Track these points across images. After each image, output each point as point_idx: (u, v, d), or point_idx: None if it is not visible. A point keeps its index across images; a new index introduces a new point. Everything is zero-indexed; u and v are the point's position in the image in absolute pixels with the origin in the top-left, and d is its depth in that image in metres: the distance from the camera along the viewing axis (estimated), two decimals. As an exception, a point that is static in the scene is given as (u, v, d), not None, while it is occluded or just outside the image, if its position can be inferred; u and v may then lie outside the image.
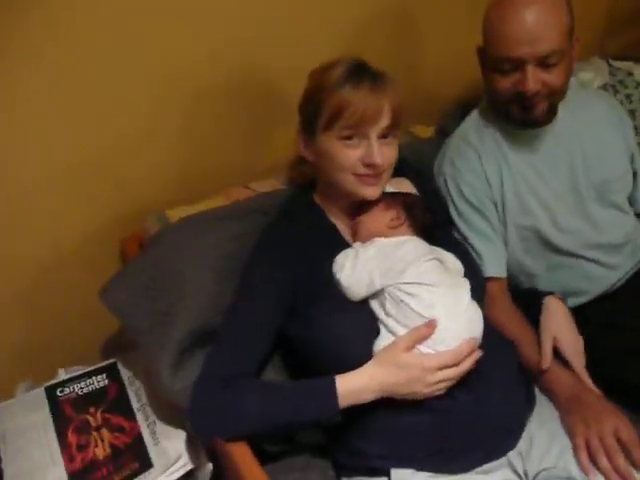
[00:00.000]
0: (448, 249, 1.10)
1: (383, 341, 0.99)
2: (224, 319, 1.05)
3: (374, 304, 1.02)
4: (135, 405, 1.22)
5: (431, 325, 0.96)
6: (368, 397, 0.95)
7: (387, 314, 0.99)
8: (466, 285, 1.02)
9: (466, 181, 1.27)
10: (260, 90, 1.33)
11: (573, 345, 1.13)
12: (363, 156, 1.03)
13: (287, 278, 1.04)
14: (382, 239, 1.05)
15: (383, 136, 1.04)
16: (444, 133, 1.44)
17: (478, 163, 1.27)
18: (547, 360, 1.10)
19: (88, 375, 1.28)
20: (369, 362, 0.97)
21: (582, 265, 1.28)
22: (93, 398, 1.23)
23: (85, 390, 1.25)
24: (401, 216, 1.08)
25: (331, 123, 1.04)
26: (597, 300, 1.29)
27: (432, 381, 0.94)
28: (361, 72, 1.05)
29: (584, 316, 1.25)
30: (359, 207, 1.12)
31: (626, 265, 1.30)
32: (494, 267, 1.25)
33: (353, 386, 0.95)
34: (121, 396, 1.24)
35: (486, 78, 1.21)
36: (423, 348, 0.96)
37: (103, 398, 1.23)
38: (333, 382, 0.95)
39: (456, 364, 0.95)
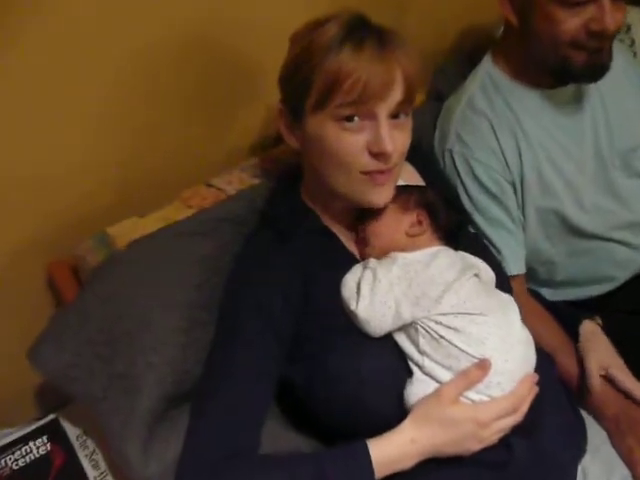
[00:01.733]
0: (469, 249, 0.88)
1: (418, 387, 0.77)
2: (206, 373, 0.80)
3: (401, 338, 0.80)
4: (92, 474, 0.96)
5: (484, 367, 0.75)
6: (408, 464, 0.75)
7: (421, 352, 0.77)
8: (512, 304, 0.82)
9: (479, 160, 1.04)
10: (213, 58, 1.03)
11: (621, 367, 0.96)
12: (369, 143, 0.78)
13: (284, 307, 0.80)
14: (403, 254, 0.82)
15: (394, 115, 0.79)
16: (438, 96, 1.20)
17: (492, 136, 1.05)
18: (596, 383, 0.95)
19: (23, 440, 0.99)
20: (407, 420, 0.75)
21: (609, 248, 1.13)
22: (34, 471, 0.96)
23: (22, 462, 0.97)
24: (423, 220, 0.85)
25: (325, 99, 0.77)
26: (625, 286, 1.14)
27: (487, 435, 0.75)
28: (363, 30, 0.78)
29: (612, 305, 1.12)
30: (363, 210, 0.88)
31: (654, 245, 1.15)
32: (516, 264, 1.06)
33: (390, 454, 0.74)
34: (71, 464, 0.97)
35: (538, 18, 0.97)
36: (474, 395, 0.75)
37: (47, 470, 0.96)
38: (366, 452, 0.73)
39: (515, 410, 0.76)
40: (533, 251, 1.10)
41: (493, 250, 1.03)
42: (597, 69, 0.99)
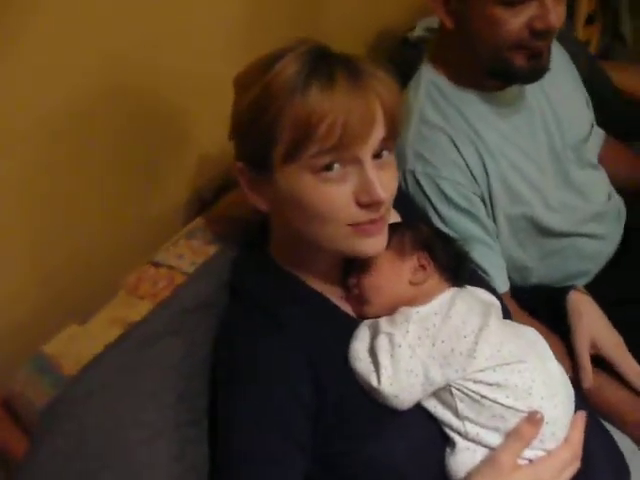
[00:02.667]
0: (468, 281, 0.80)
1: (464, 457, 0.67)
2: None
3: (432, 404, 0.69)
4: None
5: (536, 421, 0.66)
6: None
7: (461, 417, 0.67)
8: (539, 338, 0.74)
9: (446, 178, 0.97)
10: (133, 110, 0.85)
11: (616, 345, 0.93)
12: (356, 192, 0.67)
13: (296, 409, 0.66)
14: (415, 308, 0.71)
15: (376, 155, 0.68)
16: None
17: (453, 150, 0.97)
18: (588, 377, 0.90)
19: None
20: None
21: (578, 244, 1.11)
22: None
23: None
24: (425, 263, 0.75)
25: (296, 149, 0.65)
26: (599, 278, 1.12)
27: None
28: (328, 62, 0.66)
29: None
30: (351, 262, 0.76)
31: (616, 232, 1.15)
32: (503, 280, 1.00)
33: None
34: None
35: (477, 21, 0.91)
36: (529, 452, 0.67)
37: None
38: None
39: (575, 458, 0.68)
40: (507, 260, 1.05)
41: (479, 271, 0.96)
42: (538, 70, 0.96)
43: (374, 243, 0.70)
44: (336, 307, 0.76)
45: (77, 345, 0.69)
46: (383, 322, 0.71)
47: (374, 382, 0.67)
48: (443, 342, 0.68)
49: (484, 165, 0.99)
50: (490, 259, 0.98)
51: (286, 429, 0.64)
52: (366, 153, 0.66)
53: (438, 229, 0.82)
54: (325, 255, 0.73)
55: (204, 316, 0.74)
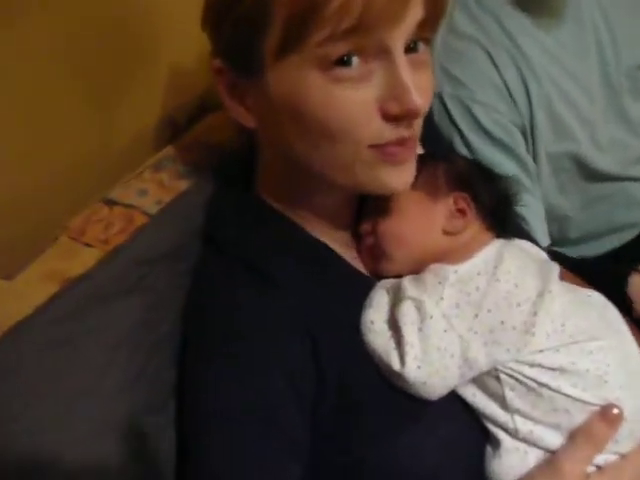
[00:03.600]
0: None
1: (511, 460, 0.51)
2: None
3: (469, 391, 0.52)
4: None
5: (612, 417, 0.49)
6: None
7: (511, 410, 0.51)
8: (611, 308, 0.57)
9: (481, 102, 0.78)
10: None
11: None
12: (383, 100, 0.48)
13: (292, 401, 0.49)
14: (452, 266, 0.53)
15: (410, 48, 0.49)
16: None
17: (491, 67, 0.78)
18: None
19: None
20: None
21: (627, 189, 0.94)
22: None
23: None
24: (465, 206, 0.56)
25: (297, 34, 0.46)
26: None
27: None
28: None
29: (637, 256, 0.91)
30: (365, 202, 0.58)
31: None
32: (544, 231, 0.82)
33: None
34: None
35: None
36: (599, 457, 0.50)
37: None
38: None
39: None
40: (546, 209, 0.87)
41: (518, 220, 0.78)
42: None
43: (402, 173, 0.51)
44: (344, 262, 0.58)
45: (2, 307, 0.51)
46: (408, 284, 0.53)
47: (395, 364, 0.50)
48: (489, 312, 0.50)
49: (527, 89, 0.80)
50: (530, 205, 0.80)
51: (279, 428, 0.47)
52: (397, 40, 0.47)
53: (478, 162, 0.64)
54: (332, 191, 0.55)
55: (169, 272, 0.56)
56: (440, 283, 0.52)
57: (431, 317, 0.50)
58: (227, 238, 0.57)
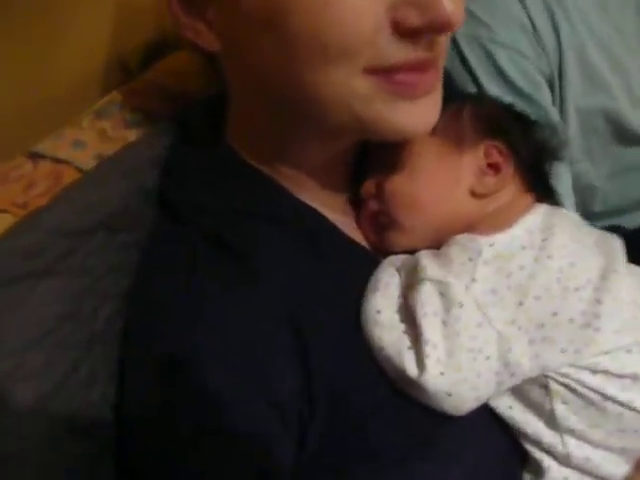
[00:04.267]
0: None
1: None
2: None
3: (504, 403, 0.40)
4: None
5: None
6: None
7: (561, 428, 0.38)
8: None
9: (503, 45, 0.64)
10: None
11: None
12: (398, 7, 0.34)
13: (275, 427, 0.36)
14: (485, 237, 0.40)
15: None
16: None
17: (518, 6, 0.64)
18: None
19: None
20: None
21: None
22: None
23: None
24: (500, 160, 0.43)
25: None
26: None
27: None
28: None
29: None
30: (368, 154, 0.45)
31: None
32: (571, 202, 0.70)
33: None
34: None
35: None
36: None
37: None
38: None
39: None
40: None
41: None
42: None
43: (420, 110, 0.38)
44: (340, 233, 0.44)
45: None
46: (427, 261, 0.39)
47: (411, 369, 0.37)
48: (538, 300, 0.37)
49: (557, 30, 0.67)
50: (557, 170, 0.67)
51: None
52: None
53: (510, 104, 0.50)
54: (325, 138, 0.41)
55: (106, 246, 0.41)
56: (471, 260, 0.38)
57: (460, 305, 0.37)
58: (187, 202, 0.43)
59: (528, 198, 0.43)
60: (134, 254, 0.43)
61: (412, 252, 0.43)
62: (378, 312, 0.39)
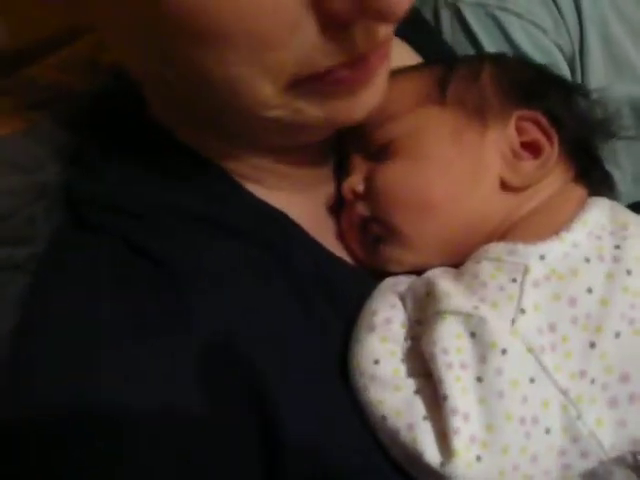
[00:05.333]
0: None
1: None
2: None
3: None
4: None
5: None
6: None
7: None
8: None
9: (515, 11, 0.53)
10: None
11: None
12: None
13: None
14: (529, 246, 0.27)
15: None
16: None
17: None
18: None
19: None
20: None
21: None
22: None
23: None
24: (536, 136, 0.30)
25: None
26: None
27: None
28: None
29: None
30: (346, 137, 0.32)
31: None
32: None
33: None
34: None
35: None
36: None
37: None
38: None
39: None
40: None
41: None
42: None
43: (361, 100, 0.26)
44: (315, 245, 0.31)
45: None
46: (445, 283, 0.26)
47: (430, 453, 0.23)
48: (619, 338, 0.25)
49: (577, 3, 0.55)
50: (612, 152, 0.55)
51: None
52: None
53: (542, 66, 0.38)
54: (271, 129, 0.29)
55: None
56: (514, 281, 0.25)
57: (503, 352, 0.24)
58: (101, 201, 0.29)
59: (579, 189, 0.31)
60: (20, 278, 0.29)
61: (419, 272, 0.30)
62: (376, 362, 0.26)
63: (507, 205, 0.29)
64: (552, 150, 0.30)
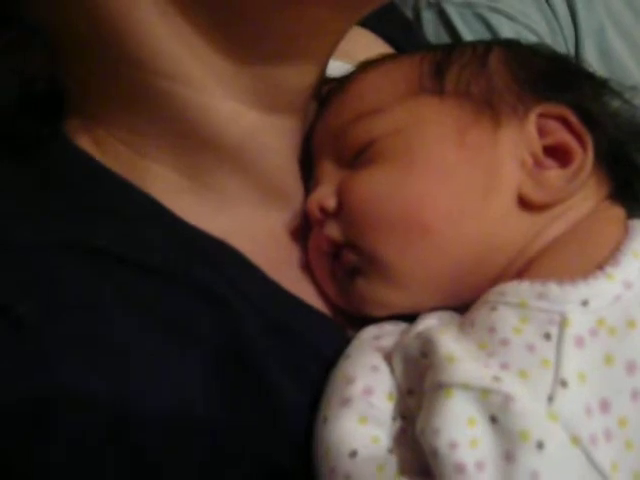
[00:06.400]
0: None
1: None
2: None
3: None
4: None
5: None
6: None
7: None
8: None
9: (505, 12, 0.49)
10: None
11: None
12: None
13: None
14: (565, 286, 0.19)
15: None
16: None
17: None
18: None
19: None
20: None
21: None
22: None
23: None
24: (564, 137, 0.23)
25: None
26: None
27: None
28: None
29: None
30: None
31: None
32: None
33: None
34: None
35: None
36: None
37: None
38: None
39: None
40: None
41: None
42: None
43: None
44: (265, 280, 0.23)
45: None
46: (448, 338, 0.18)
47: None
48: None
49: (573, 10, 0.51)
50: None
51: None
52: None
53: (565, 55, 0.31)
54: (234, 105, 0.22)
55: None
56: (548, 337, 0.18)
57: (539, 445, 0.16)
58: None
59: (616, 208, 0.24)
60: None
61: (408, 315, 0.22)
62: (352, 455, 0.18)
63: (527, 228, 0.22)
64: (586, 157, 0.22)
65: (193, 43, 0.21)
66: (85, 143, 0.23)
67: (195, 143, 0.22)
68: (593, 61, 0.55)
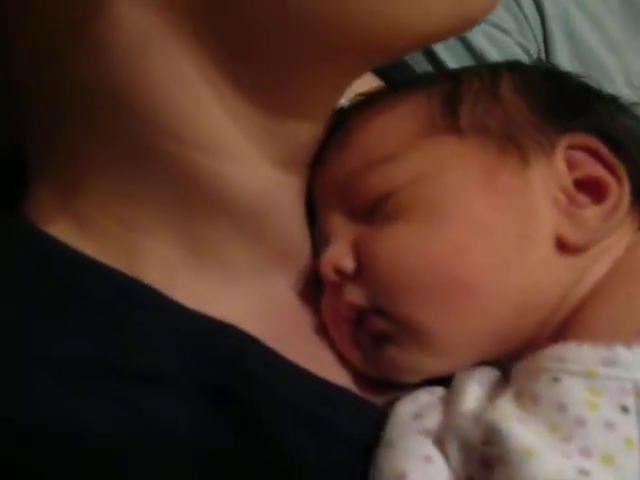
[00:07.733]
0: None
1: None
2: None
3: None
4: None
5: None
6: None
7: None
8: None
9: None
10: None
11: None
12: None
13: None
14: (625, 348, 0.17)
15: None
16: None
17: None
18: None
19: None
20: None
21: None
22: None
23: None
24: (599, 172, 0.20)
25: None
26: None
27: None
28: None
29: None
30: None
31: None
32: None
33: None
34: None
35: None
36: None
37: None
38: None
39: None
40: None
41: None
42: None
43: None
44: (289, 367, 0.20)
45: None
46: (520, 426, 0.16)
47: None
48: None
49: (537, 1, 0.50)
50: None
51: None
52: None
53: (568, 73, 0.29)
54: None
55: None
56: (625, 410, 0.16)
57: None
58: None
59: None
60: None
61: (439, 381, 0.20)
62: None
63: (567, 273, 0.20)
64: (622, 190, 0.20)
65: (223, 105, 0.18)
66: (58, 223, 0.19)
67: (201, 211, 0.20)
68: (562, 48, 0.54)
